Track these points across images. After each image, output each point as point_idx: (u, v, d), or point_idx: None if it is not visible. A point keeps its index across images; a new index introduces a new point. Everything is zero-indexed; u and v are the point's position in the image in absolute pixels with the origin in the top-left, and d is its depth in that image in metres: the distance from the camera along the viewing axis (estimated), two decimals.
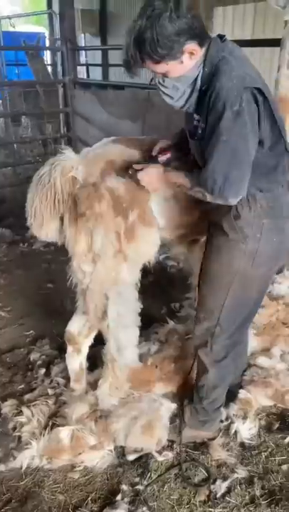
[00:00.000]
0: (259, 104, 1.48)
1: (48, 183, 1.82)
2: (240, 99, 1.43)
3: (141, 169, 1.77)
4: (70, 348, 2.16)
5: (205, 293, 1.82)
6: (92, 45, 10.94)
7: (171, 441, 2.06)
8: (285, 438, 2.10)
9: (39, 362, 2.57)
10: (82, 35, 11.64)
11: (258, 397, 2.23)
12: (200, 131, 1.57)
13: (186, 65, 1.53)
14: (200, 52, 1.52)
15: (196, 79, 1.55)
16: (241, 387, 2.27)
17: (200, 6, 9.53)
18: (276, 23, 8.39)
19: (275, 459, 2.00)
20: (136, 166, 1.79)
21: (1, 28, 9.50)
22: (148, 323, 2.85)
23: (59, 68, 5.85)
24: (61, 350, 2.65)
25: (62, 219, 1.94)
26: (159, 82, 1.61)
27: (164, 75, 1.57)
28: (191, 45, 1.49)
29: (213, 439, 2.07)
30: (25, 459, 1.95)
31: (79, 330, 2.12)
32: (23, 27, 14.69)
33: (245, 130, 1.46)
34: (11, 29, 10.54)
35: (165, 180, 1.77)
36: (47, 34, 12.96)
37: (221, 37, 1.57)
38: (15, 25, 10.70)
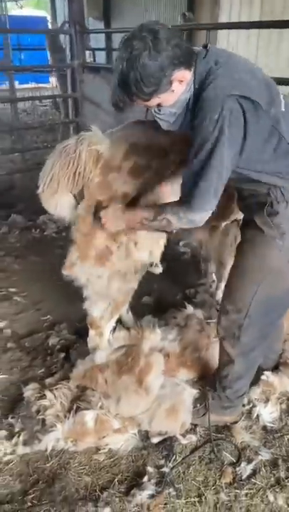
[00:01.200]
0: (246, 111, 1.45)
1: (72, 152, 1.80)
2: (221, 108, 1.41)
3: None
4: (92, 332, 2.16)
5: (235, 286, 1.79)
6: (95, 28, 10.75)
7: (194, 425, 2.07)
8: None
9: (58, 346, 2.57)
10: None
11: (285, 379, 2.24)
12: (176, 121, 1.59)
13: (177, 91, 1.51)
14: (189, 74, 1.50)
15: (189, 98, 1.53)
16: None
17: None
18: (285, 4, 8.27)
19: None
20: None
21: (7, 11, 9.34)
22: (164, 308, 2.86)
23: (67, 52, 5.72)
24: (79, 334, 2.67)
25: (75, 197, 1.93)
26: (155, 112, 1.59)
27: (159, 106, 1.56)
28: (179, 73, 1.47)
29: (236, 422, 2.09)
30: (50, 441, 1.96)
31: (101, 314, 2.12)
32: (23, 11, 14.47)
33: (222, 138, 1.44)
34: (18, 11, 10.38)
35: (126, 218, 1.78)
36: (49, 18, 12.82)
37: (205, 46, 1.54)
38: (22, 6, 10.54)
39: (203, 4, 9.80)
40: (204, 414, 2.05)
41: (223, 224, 2.34)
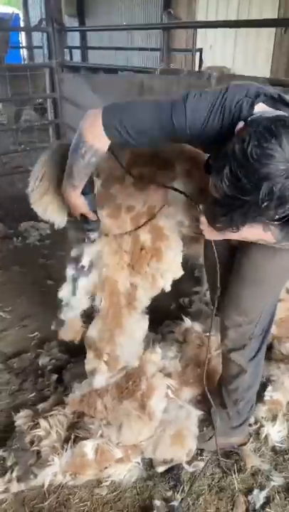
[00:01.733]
0: None
1: None
2: None
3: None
4: (90, 354, 2.01)
5: (247, 295, 1.69)
6: (71, 26, 10.51)
7: (200, 450, 1.95)
8: None
9: (49, 367, 2.41)
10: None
11: (286, 380, 2.20)
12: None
13: None
14: None
15: None
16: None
17: None
18: (262, 3, 8.26)
19: None
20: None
21: None
22: (159, 320, 2.73)
23: (45, 51, 5.49)
24: (71, 353, 2.51)
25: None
26: None
27: None
28: None
29: (244, 444, 1.98)
30: (47, 476, 1.81)
31: (100, 336, 1.96)
32: None
33: None
34: None
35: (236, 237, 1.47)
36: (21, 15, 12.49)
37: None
38: None
39: (179, 2, 9.70)
40: (211, 438, 1.93)
41: None
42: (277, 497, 1.77)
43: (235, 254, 1.73)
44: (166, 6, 9.27)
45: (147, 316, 1.97)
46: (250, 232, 1.36)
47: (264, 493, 1.77)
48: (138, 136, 1.35)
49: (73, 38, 11.79)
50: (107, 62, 6.85)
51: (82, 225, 1.69)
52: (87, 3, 12.74)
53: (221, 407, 1.93)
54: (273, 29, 8.42)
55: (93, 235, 1.72)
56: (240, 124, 1.14)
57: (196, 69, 6.25)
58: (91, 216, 1.65)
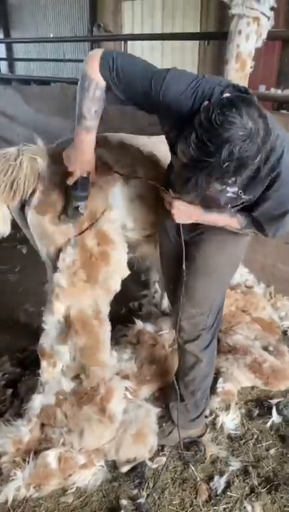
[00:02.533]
0: None
1: (13, 160, 1.67)
2: None
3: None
4: (44, 363, 2.00)
5: (199, 286, 1.77)
6: None
7: (161, 446, 2.01)
8: (266, 423, 2.16)
9: (3, 382, 2.35)
10: None
11: (235, 370, 2.30)
12: (240, 203, 1.45)
13: None
14: None
15: None
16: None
17: (108, 0, 9.48)
18: (184, 16, 8.63)
19: (262, 445, 2.05)
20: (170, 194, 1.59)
21: None
22: (111, 325, 2.76)
23: None
24: (24, 366, 2.48)
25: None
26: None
27: None
28: None
29: (202, 435, 2.06)
30: (11, 491, 1.77)
31: (53, 342, 1.96)
32: None
33: None
34: None
35: (202, 219, 1.59)
36: None
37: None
38: None
39: (105, 15, 9.87)
40: (171, 432, 2.00)
41: None
42: (237, 480, 1.87)
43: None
44: (93, 19, 9.41)
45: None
46: (219, 218, 1.53)
47: (224, 479, 1.87)
48: (124, 80, 1.45)
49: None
50: (36, 74, 6.83)
51: (74, 193, 1.66)
52: (12, 15, 12.57)
53: (178, 401, 1.99)
54: (197, 42, 8.84)
55: (82, 206, 1.70)
56: (206, 102, 1.30)
57: None
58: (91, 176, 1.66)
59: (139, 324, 2.57)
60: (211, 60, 8.40)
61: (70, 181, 1.65)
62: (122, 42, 4.40)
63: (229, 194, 1.32)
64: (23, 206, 1.83)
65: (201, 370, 1.92)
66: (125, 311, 3.04)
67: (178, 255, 1.72)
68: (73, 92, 4.14)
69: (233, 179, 1.22)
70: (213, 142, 1.15)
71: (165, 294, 2.97)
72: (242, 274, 3.15)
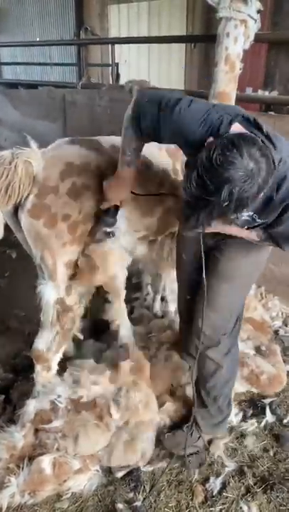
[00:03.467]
0: None
1: (8, 164, 1.66)
2: None
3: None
4: (38, 367, 1.99)
5: (222, 290, 1.76)
6: None
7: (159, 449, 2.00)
8: (260, 423, 2.17)
9: None
10: None
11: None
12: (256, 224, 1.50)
13: None
14: None
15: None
16: None
17: (94, 4, 9.48)
18: (170, 19, 8.67)
19: (257, 445, 2.05)
20: None
21: None
22: (102, 329, 2.75)
23: None
24: (17, 371, 2.45)
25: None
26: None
27: None
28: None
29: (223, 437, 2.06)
30: (5, 498, 1.75)
31: (48, 346, 1.95)
32: None
33: None
34: None
35: (226, 230, 1.62)
36: None
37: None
38: None
39: (91, 18, 9.87)
40: (200, 438, 1.98)
41: (160, 238, 2.32)
42: (232, 481, 1.87)
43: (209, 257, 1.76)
44: (79, 22, 9.40)
45: None
46: (240, 230, 1.56)
47: (220, 479, 1.87)
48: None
49: None
50: (22, 78, 6.80)
51: (105, 219, 1.81)
52: None
53: (201, 407, 1.97)
54: (184, 45, 8.89)
55: (112, 231, 1.85)
56: (210, 139, 1.30)
57: (114, 82, 6.40)
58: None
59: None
60: (198, 62, 8.45)
61: (104, 206, 1.79)
62: (109, 45, 4.40)
63: (244, 218, 1.41)
64: (15, 210, 1.82)
65: (222, 377, 1.90)
66: None
67: (199, 261, 1.69)
68: (60, 95, 4.16)
69: (235, 215, 1.25)
70: (213, 182, 1.17)
71: (157, 297, 2.98)
72: None
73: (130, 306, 3.08)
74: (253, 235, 1.57)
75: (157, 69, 9.18)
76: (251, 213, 1.43)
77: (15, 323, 2.91)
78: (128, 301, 3.13)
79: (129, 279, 3.35)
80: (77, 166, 1.77)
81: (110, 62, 4.70)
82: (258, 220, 1.45)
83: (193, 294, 1.90)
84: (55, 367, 2.04)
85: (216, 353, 1.86)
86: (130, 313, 3.01)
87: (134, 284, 3.34)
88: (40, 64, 8.39)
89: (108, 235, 1.84)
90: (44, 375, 1.98)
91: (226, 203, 1.18)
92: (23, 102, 4.46)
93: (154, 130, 1.49)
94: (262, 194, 1.26)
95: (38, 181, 1.74)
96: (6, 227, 1.88)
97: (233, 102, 2.45)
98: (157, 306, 2.96)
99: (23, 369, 2.44)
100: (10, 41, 8.49)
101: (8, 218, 1.85)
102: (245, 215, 1.43)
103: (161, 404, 2.11)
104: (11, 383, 2.34)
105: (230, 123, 1.36)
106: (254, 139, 1.22)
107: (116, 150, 1.94)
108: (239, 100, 2.65)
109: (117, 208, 1.81)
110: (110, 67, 4.70)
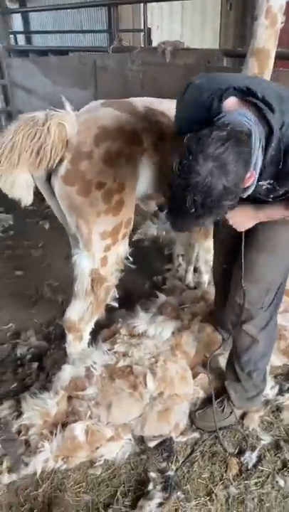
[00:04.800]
0: None
1: (41, 125, 1.58)
2: None
3: None
4: (70, 336, 1.97)
5: (260, 261, 1.68)
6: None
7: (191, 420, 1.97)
8: None
9: (29, 356, 2.35)
10: None
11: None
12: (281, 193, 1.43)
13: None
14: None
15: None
16: None
17: None
18: None
19: None
20: None
21: None
22: (134, 300, 2.73)
23: None
24: (50, 340, 2.47)
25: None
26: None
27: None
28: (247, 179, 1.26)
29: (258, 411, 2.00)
30: (39, 463, 1.77)
31: (80, 316, 1.93)
32: None
33: None
34: None
35: (260, 218, 1.58)
36: None
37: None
38: None
39: None
40: (232, 413, 1.95)
41: None
42: (268, 454, 1.82)
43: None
44: None
45: None
46: (274, 212, 1.51)
47: (255, 453, 1.82)
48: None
49: (15, 24, 11.35)
50: (68, 44, 6.66)
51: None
52: None
53: (235, 382, 1.92)
54: (219, 6, 8.44)
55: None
56: (187, 137, 1.25)
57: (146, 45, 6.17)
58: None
59: (161, 297, 2.51)
60: (234, 23, 8.05)
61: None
62: (142, 4, 4.20)
63: (265, 186, 1.38)
64: (48, 176, 1.75)
65: (257, 351, 1.83)
66: (149, 285, 2.99)
67: (237, 231, 1.64)
68: (91, 61, 4.02)
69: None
70: (177, 191, 1.18)
71: (190, 268, 2.90)
72: None
73: (162, 277, 3.04)
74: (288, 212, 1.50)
75: (191, 34, 8.81)
76: (268, 181, 1.37)
77: (48, 293, 2.93)
78: (160, 272, 3.11)
79: (161, 250, 3.33)
80: (112, 130, 1.68)
81: (142, 27, 4.48)
82: (277, 188, 1.38)
83: (230, 265, 1.82)
84: (87, 337, 2.02)
85: (251, 327, 1.79)
86: (162, 284, 2.98)
87: (166, 255, 3.29)
88: (70, 32, 8.18)
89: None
90: (76, 344, 1.96)
91: (193, 209, 1.16)
92: (54, 70, 4.36)
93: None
94: (248, 175, 1.23)
95: (71, 146, 1.65)
96: (37, 196, 1.83)
97: (272, 60, 2.27)
98: (190, 277, 2.89)
99: (56, 337, 2.46)
100: (37, 6, 8.28)
101: (41, 185, 1.79)
102: (266, 183, 1.38)
103: (194, 376, 2.07)
104: (44, 351, 2.36)
105: (221, 99, 1.31)
106: (211, 134, 1.15)
107: (149, 112, 1.84)
108: (280, 57, 2.46)
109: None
110: (142, 32, 4.48)
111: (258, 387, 1.94)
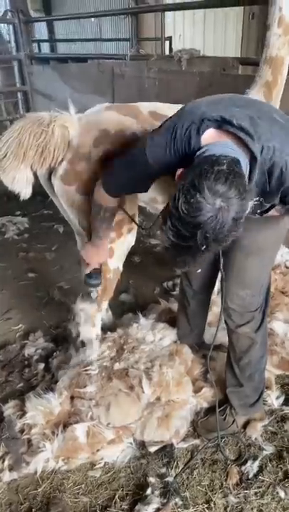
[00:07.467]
0: None
1: (46, 126, 1.65)
2: None
3: None
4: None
5: (249, 266, 1.69)
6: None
7: (193, 426, 1.96)
8: None
9: (36, 357, 2.38)
10: None
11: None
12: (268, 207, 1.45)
13: None
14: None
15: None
16: None
17: None
18: None
19: None
20: None
21: None
22: (143, 304, 2.74)
23: (12, 44, 5.39)
24: (57, 341, 2.50)
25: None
26: None
27: None
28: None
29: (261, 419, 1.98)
30: (40, 462, 1.79)
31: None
32: None
33: None
34: None
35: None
36: None
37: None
38: None
39: None
40: (234, 422, 1.93)
41: None
42: (270, 465, 1.79)
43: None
44: None
45: None
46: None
47: (257, 463, 1.79)
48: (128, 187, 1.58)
49: (40, 33, 11.61)
50: (88, 51, 6.77)
51: (88, 281, 1.90)
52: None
53: (237, 387, 1.91)
54: (241, 16, 8.46)
55: (95, 294, 1.97)
56: (178, 171, 1.26)
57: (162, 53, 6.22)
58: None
59: (163, 303, 2.52)
60: (256, 34, 8.05)
61: (87, 271, 1.88)
62: (160, 13, 4.24)
63: (252, 204, 1.37)
64: (50, 175, 1.82)
65: (256, 352, 1.84)
66: (159, 290, 2.99)
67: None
68: (109, 68, 4.08)
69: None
70: (186, 229, 1.14)
71: None
72: (282, 255, 3.01)
73: (173, 283, 3.04)
74: (272, 212, 1.50)
75: (213, 44, 8.85)
76: (256, 198, 1.37)
77: (59, 295, 2.96)
78: (171, 277, 3.11)
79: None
80: (112, 133, 1.71)
81: (160, 35, 4.52)
82: (265, 204, 1.40)
83: (213, 271, 1.90)
84: (98, 323, 2.08)
85: (248, 329, 1.80)
86: (172, 289, 2.98)
87: None
88: (93, 40, 8.34)
89: (92, 295, 1.96)
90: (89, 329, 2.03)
91: (204, 246, 1.15)
92: (73, 77, 4.44)
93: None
94: (249, 205, 1.23)
95: (72, 147, 1.71)
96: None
97: (286, 68, 2.27)
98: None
99: (63, 339, 2.48)
100: (61, 14, 8.45)
101: (43, 183, 1.87)
102: (254, 200, 1.38)
103: (198, 390, 2.05)
104: (50, 353, 2.39)
105: (199, 132, 1.28)
106: (213, 171, 1.12)
107: (153, 116, 1.86)
108: None
109: (97, 270, 1.89)
110: (160, 40, 4.52)
111: (259, 389, 1.93)
